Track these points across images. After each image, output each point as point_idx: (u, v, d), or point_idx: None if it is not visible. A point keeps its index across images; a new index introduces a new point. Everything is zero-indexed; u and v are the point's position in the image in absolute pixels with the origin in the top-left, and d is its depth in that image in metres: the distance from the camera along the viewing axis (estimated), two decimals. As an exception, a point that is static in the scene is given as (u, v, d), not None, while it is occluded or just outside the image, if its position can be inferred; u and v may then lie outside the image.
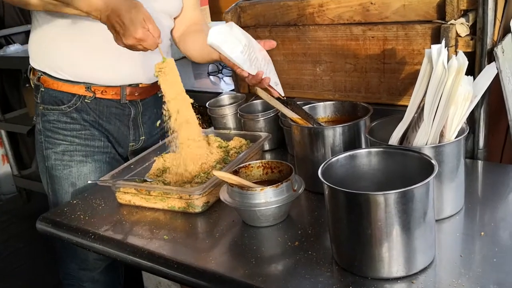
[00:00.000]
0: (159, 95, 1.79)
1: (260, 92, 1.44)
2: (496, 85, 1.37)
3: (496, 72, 1.16)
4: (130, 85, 1.68)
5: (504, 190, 1.29)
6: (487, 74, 1.15)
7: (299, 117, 1.41)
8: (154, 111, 1.80)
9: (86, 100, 1.65)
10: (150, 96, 1.77)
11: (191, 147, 1.48)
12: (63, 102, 1.64)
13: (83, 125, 1.67)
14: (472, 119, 1.44)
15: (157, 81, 1.56)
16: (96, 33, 1.54)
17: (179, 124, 1.47)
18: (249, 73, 1.39)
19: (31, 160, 3.93)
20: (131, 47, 1.38)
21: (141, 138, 1.78)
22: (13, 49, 3.48)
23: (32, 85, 1.71)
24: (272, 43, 1.48)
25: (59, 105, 1.65)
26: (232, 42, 1.35)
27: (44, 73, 1.65)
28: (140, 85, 1.70)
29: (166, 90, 1.46)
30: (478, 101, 1.39)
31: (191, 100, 1.50)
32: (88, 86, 1.64)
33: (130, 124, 1.74)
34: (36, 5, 1.45)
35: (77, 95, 1.64)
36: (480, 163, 1.45)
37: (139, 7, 1.34)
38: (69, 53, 1.60)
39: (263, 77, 1.40)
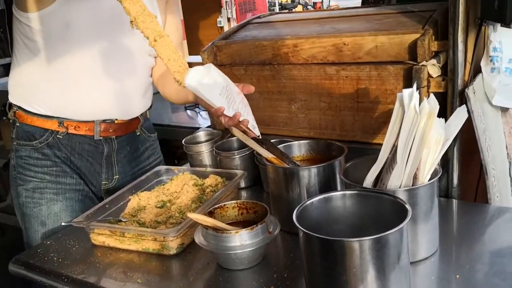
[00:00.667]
0: (137, 133, 1.78)
1: (236, 132, 1.44)
2: (469, 124, 1.39)
3: (467, 115, 1.18)
4: (104, 121, 1.66)
5: (479, 229, 1.30)
6: (459, 116, 1.17)
7: (274, 157, 1.41)
8: (130, 150, 1.78)
9: (58, 136, 1.64)
10: (127, 133, 1.75)
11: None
12: (35, 137, 1.63)
13: (55, 162, 1.65)
14: (445, 158, 1.46)
15: (134, 117, 1.55)
16: (72, 68, 1.55)
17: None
18: (226, 115, 1.39)
19: (7, 193, 3.86)
20: None
21: (114, 177, 1.76)
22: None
23: (10, 120, 1.71)
24: (251, 88, 1.47)
25: (31, 140, 1.64)
26: (210, 84, 1.35)
27: (20, 107, 1.64)
28: (116, 121, 1.69)
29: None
30: (453, 141, 1.42)
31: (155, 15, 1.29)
32: (61, 121, 1.62)
33: (103, 162, 1.72)
34: None
35: (50, 130, 1.63)
36: (454, 202, 1.47)
37: None
38: (45, 87, 1.60)
39: (240, 119, 1.40)
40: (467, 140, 1.49)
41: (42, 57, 1.57)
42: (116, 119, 1.69)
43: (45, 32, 1.53)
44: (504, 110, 1.63)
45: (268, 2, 14.40)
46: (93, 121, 1.65)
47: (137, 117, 1.76)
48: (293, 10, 14.04)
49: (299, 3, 14.64)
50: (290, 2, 14.44)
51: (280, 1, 14.28)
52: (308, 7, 14.92)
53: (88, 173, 1.71)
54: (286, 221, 1.29)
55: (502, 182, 1.54)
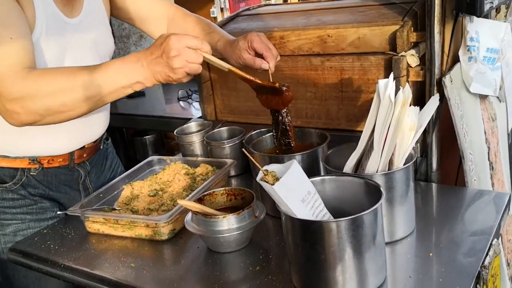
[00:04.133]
0: (101, 147, 1.79)
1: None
2: (449, 111, 1.45)
3: (438, 103, 1.24)
4: (77, 149, 1.65)
5: (455, 211, 1.36)
6: (431, 105, 1.23)
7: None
8: (98, 165, 1.79)
9: (31, 173, 1.58)
10: (96, 152, 1.75)
11: None
12: (6, 179, 1.56)
13: (33, 200, 1.59)
14: (424, 144, 1.52)
15: (101, 136, 1.62)
16: None
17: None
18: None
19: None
20: (188, 75, 1.33)
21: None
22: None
23: None
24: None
25: (3, 183, 1.56)
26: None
27: None
28: (86, 146, 1.68)
29: None
30: (430, 128, 1.49)
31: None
32: (33, 158, 1.57)
33: (80, 187, 1.72)
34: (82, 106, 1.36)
35: (20, 169, 1.56)
36: (434, 185, 1.53)
37: (160, 41, 1.30)
38: (11, 129, 1.40)
39: None
40: (448, 126, 1.55)
41: None
42: (87, 144, 1.68)
43: None
44: (483, 97, 1.70)
45: (263, -9, 14.43)
46: (67, 152, 1.62)
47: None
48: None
49: (295, -10, 14.68)
50: (285, -11, 14.48)
51: (275, -11, 14.29)
52: (304, -5, 14.99)
53: (67, 202, 1.67)
54: (271, 206, 1.36)
55: (480, 166, 1.60)
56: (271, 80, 1.46)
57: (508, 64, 2.01)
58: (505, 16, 2.13)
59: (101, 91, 1.33)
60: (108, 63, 1.37)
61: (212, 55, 1.37)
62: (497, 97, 1.82)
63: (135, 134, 3.52)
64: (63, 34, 1.51)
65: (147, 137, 3.42)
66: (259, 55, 1.53)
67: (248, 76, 1.39)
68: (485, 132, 1.69)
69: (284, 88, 1.41)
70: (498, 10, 2.02)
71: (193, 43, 1.29)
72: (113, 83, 1.33)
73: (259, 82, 1.40)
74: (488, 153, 1.70)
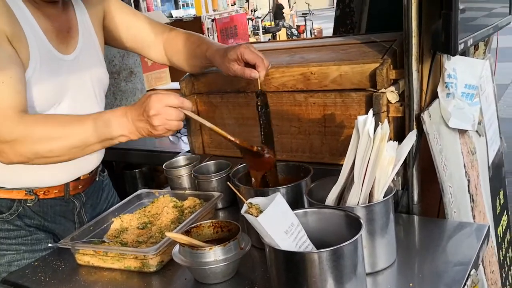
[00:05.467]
0: (96, 179, 1.84)
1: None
2: (428, 145, 1.51)
3: (415, 138, 1.30)
4: (72, 180, 1.70)
5: (436, 243, 1.40)
6: (409, 140, 1.29)
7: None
8: (94, 197, 1.83)
9: (28, 204, 1.63)
10: (91, 184, 1.80)
11: None
12: (2, 210, 1.60)
13: (29, 231, 1.64)
14: (405, 178, 1.57)
15: (96, 167, 1.67)
16: None
17: None
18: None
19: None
20: (169, 131, 1.41)
21: None
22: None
23: None
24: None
25: (0, 213, 1.61)
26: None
27: None
28: (82, 177, 1.73)
29: None
30: (410, 161, 1.54)
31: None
32: (29, 190, 1.62)
33: (75, 218, 1.76)
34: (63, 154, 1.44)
35: (17, 200, 1.61)
36: (415, 218, 1.58)
37: (146, 98, 1.38)
38: (8, 165, 1.46)
39: None
40: (429, 160, 1.61)
41: None
42: (82, 175, 1.73)
43: None
44: (462, 131, 1.76)
45: (252, 26, 14.68)
46: (63, 184, 1.67)
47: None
48: (277, 33, 14.31)
49: (283, 26, 14.93)
50: (274, 25, 14.73)
51: (264, 25, 14.53)
52: (292, 30, 15.23)
53: (62, 233, 1.71)
54: (257, 238, 1.40)
55: (460, 198, 1.66)
56: (260, 88, 1.57)
57: (487, 99, 2.09)
58: (484, 53, 2.22)
59: (88, 141, 1.42)
60: (98, 114, 1.45)
61: (205, 64, 1.54)
62: (477, 131, 1.89)
63: (125, 167, 3.56)
64: (58, 70, 1.57)
65: (137, 170, 3.45)
66: (249, 65, 1.61)
67: (228, 136, 1.44)
68: (464, 166, 1.75)
69: (265, 152, 1.47)
70: (476, 47, 2.11)
71: (173, 102, 1.37)
72: (101, 134, 1.42)
73: (238, 143, 1.45)
74: (468, 185, 1.75)
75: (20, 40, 1.46)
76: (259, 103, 1.55)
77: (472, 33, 1.49)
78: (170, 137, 2.81)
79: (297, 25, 15.74)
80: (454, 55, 1.40)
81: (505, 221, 2.32)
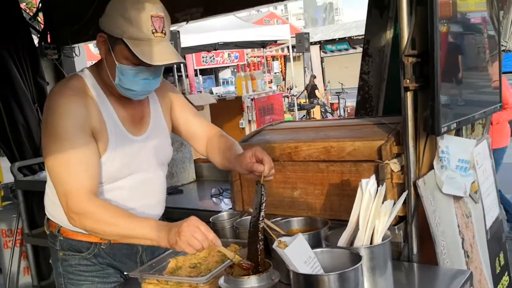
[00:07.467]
0: None
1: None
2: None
3: (402, 202, 1.71)
4: None
5: (432, 286, 1.75)
6: (401, 199, 1.69)
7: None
8: None
9: (102, 247, 2.01)
10: None
11: None
12: (82, 250, 1.99)
13: (101, 267, 2.02)
14: (406, 232, 1.95)
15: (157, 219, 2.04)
16: (108, 194, 1.94)
17: None
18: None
19: (49, 271, 4.32)
20: (189, 245, 1.66)
21: None
22: (43, 175, 4.07)
23: (47, 232, 2.09)
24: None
25: (80, 252, 2.00)
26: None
27: (62, 226, 2.00)
28: None
29: None
30: (410, 219, 1.92)
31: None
32: None
33: (137, 260, 2.11)
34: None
35: (94, 243, 1.99)
36: (415, 265, 1.93)
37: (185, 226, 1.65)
38: None
39: None
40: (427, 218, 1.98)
41: None
42: None
43: None
44: (457, 197, 2.14)
45: (288, 103, 15.19)
46: None
47: None
48: (311, 110, 14.80)
49: (317, 103, 15.45)
50: (308, 103, 15.26)
51: (299, 102, 15.07)
52: (326, 107, 15.76)
53: (127, 271, 2.00)
54: (285, 275, 1.78)
55: (453, 252, 2.00)
56: (262, 182, 1.79)
57: (484, 172, 2.47)
58: (482, 134, 2.61)
59: (129, 234, 1.77)
60: (147, 220, 1.79)
61: (228, 165, 1.90)
62: (472, 198, 2.25)
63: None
64: (129, 148, 1.98)
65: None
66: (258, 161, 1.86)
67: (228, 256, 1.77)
68: (458, 226, 2.11)
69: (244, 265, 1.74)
70: (473, 128, 2.52)
71: (205, 228, 1.67)
72: (139, 233, 1.75)
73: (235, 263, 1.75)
74: (463, 243, 2.09)
75: (101, 131, 1.86)
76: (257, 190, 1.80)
77: (456, 119, 1.91)
78: (213, 199, 3.24)
79: (330, 103, 16.18)
80: (438, 135, 1.81)
81: (506, 281, 2.61)
